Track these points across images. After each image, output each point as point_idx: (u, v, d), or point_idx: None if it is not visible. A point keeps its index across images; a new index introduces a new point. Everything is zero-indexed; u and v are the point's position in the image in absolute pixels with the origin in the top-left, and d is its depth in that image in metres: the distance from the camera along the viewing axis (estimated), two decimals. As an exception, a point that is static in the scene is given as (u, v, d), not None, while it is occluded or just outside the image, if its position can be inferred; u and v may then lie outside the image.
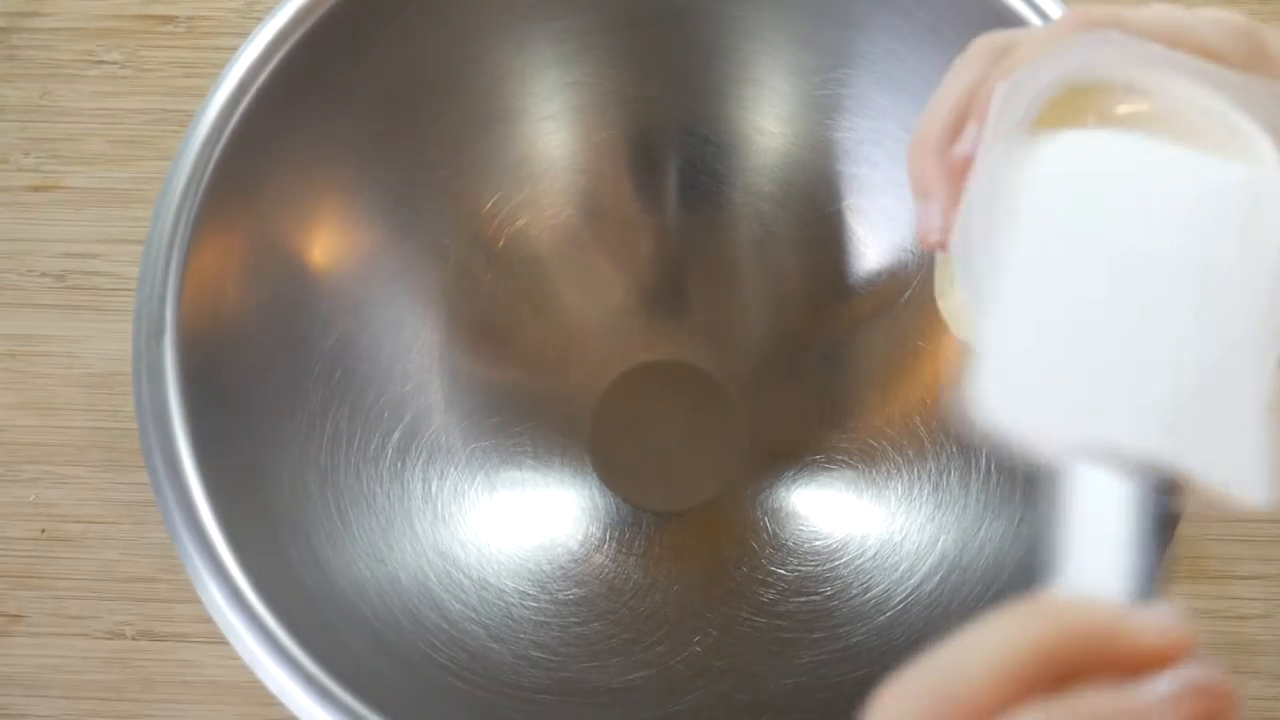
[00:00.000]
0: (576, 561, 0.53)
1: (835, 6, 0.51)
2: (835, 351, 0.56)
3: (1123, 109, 0.30)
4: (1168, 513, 0.26)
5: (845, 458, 0.54)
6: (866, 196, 0.54)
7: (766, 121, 0.55)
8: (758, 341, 0.58)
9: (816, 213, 0.55)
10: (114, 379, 0.58)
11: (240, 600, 0.42)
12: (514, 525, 0.53)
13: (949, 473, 0.51)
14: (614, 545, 0.53)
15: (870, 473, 0.52)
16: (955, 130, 0.31)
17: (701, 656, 0.50)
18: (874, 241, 0.54)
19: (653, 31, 0.53)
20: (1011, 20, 0.46)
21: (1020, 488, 0.49)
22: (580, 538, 0.53)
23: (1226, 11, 0.31)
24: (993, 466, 0.50)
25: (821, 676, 0.49)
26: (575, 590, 0.52)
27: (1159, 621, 0.23)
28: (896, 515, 0.51)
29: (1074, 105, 0.30)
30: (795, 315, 0.57)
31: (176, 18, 0.63)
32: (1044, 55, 0.30)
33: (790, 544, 0.53)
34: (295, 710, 0.42)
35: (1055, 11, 0.46)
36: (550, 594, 0.52)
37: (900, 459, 0.52)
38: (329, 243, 0.51)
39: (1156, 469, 0.25)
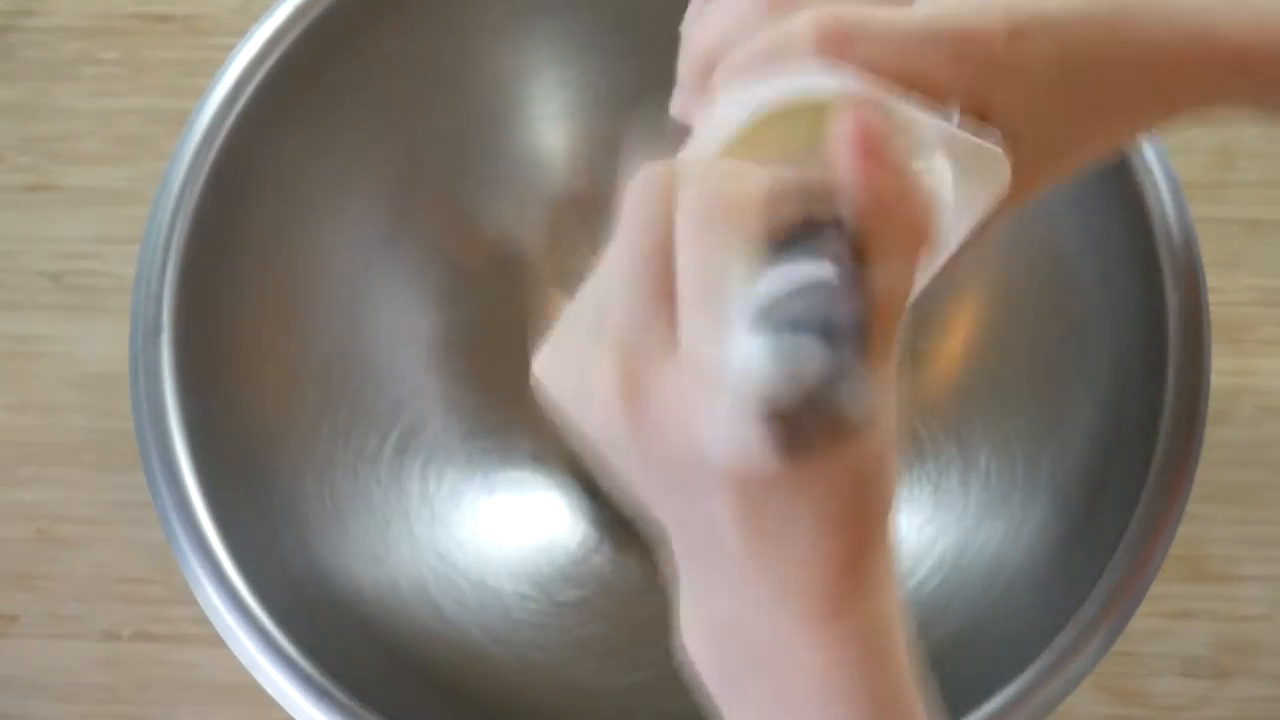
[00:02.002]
0: (575, 563, 0.53)
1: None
2: (834, 351, 0.56)
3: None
4: None
5: (844, 458, 0.54)
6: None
7: (765, 121, 0.55)
8: (757, 341, 0.57)
9: (815, 212, 0.55)
10: (110, 379, 0.57)
11: (237, 601, 0.42)
12: (512, 526, 0.53)
13: (949, 473, 0.51)
14: (612, 546, 0.53)
15: (870, 473, 0.52)
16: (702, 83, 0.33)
17: (700, 658, 0.50)
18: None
19: (652, 29, 0.53)
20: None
21: (1019, 489, 0.49)
22: (579, 538, 0.53)
23: (955, 25, 0.30)
24: (992, 467, 0.50)
25: (821, 678, 0.49)
26: (574, 592, 0.52)
27: None
28: (896, 516, 0.51)
29: (783, 124, 0.29)
30: (794, 315, 0.57)
31: (174, 17, 0.63)
32: (767, 71, 0.29)
33: (789, 545, 0.53)
34: (292, 712, 0.41)
35: None
36: (549, 595, 0.52)
37: (899, 459, 0.52)
38: (326, 242, 0.51)
39: None
